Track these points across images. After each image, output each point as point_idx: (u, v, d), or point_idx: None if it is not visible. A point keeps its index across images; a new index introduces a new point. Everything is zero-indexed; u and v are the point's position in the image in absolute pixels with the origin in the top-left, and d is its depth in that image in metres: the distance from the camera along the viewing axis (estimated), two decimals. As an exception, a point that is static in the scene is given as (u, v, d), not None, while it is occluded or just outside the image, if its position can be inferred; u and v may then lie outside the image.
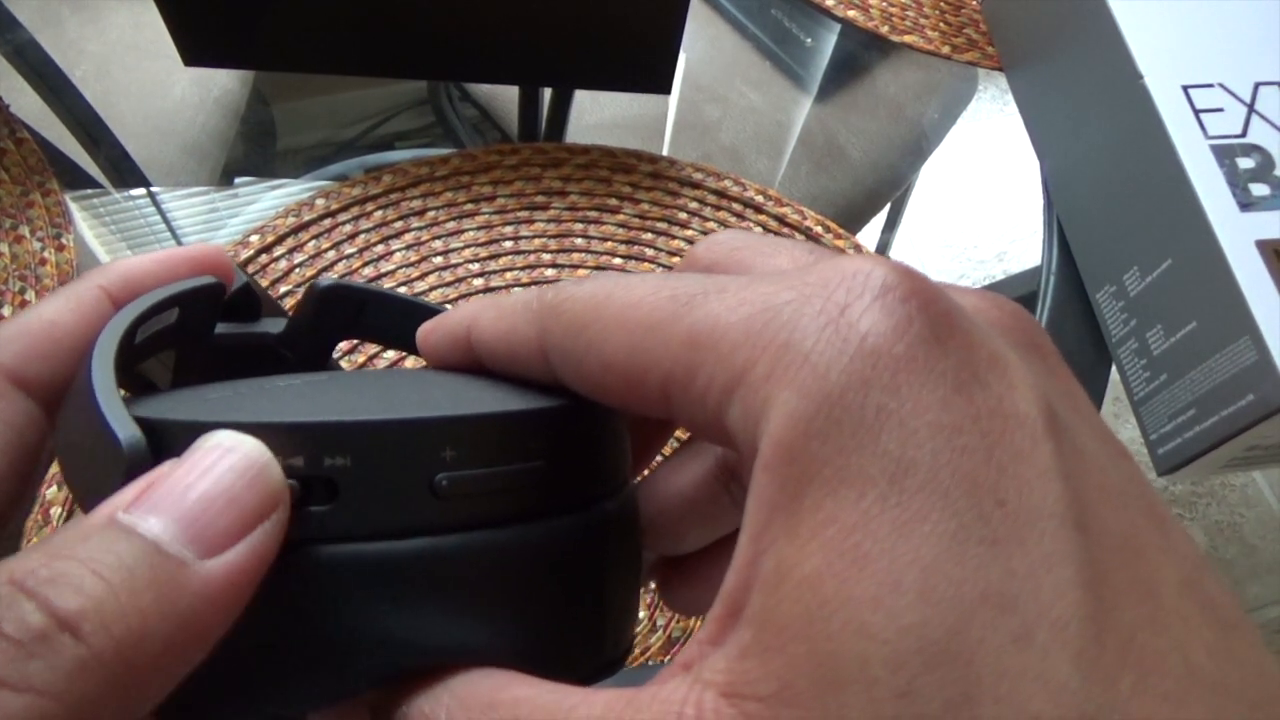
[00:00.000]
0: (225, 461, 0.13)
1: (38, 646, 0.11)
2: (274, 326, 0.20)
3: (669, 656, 0.41)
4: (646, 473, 0.20)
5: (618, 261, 0.50)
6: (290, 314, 0.20)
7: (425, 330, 0.18)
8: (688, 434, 0.19)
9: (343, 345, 0.45)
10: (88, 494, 0.14)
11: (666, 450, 0.41)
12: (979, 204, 1.42)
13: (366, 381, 0.17)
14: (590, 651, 0.16)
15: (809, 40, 0.77)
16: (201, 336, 0.19)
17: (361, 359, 0.46)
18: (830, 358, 0.12)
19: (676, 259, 0.51)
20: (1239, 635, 0.12)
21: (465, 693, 0.14)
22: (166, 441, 0.14)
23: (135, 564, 0.12)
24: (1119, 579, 0.12)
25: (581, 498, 0.16)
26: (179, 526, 0.12)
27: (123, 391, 0.15)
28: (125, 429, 0.14)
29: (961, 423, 0.12)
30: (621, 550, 0.17)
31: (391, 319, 0.21)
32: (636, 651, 0.41)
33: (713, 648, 0.13)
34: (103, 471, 0.14)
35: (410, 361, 0.46)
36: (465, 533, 0.14)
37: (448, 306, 0.19)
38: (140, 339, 0.17)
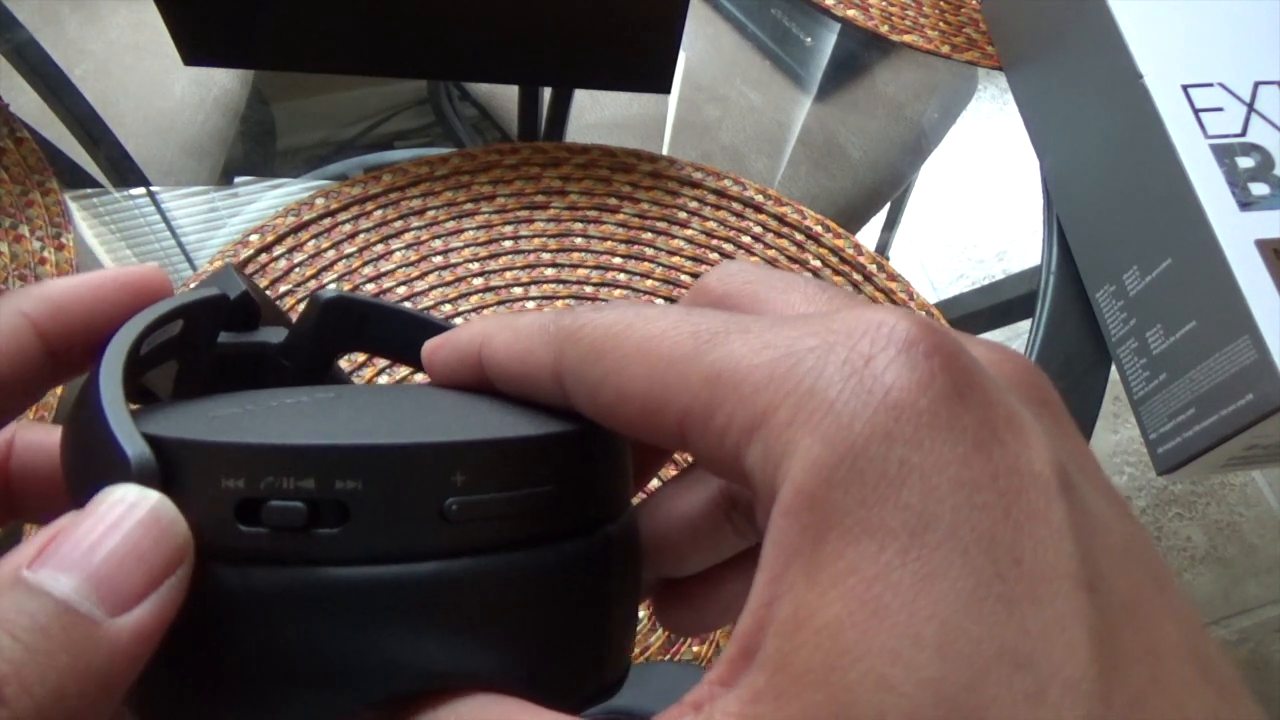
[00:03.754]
0: (131, 517, 0.13)
1: None
2: (275, 336, 0.20)
3: (669, 656, 0.41)
4: (645, 495, 0.20)
5: (617, 260, 0.50)
6: (290, 322, 0.20)
7: (433, 346, 0.18)
8: (689, 459, 0.19)
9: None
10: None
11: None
12: (979, 203, 1.42)
13: (372, 400, 0.17)
14: (591, 674, 0.16)
15: (809, 40, 0.77)
16: (204, 347, 0.19)
17: (366, 365, 0.46)
18: (855, 408, 0.12)
19: (676, 258, 0.51)
20: (1232, 696, 0.13)
21: (470, 717, 0.14)
22: (177, 461, 0.14)
23: (49, 624, 0.12)
24: (1125, 639, 0.12)
25: (587, 521, 0.16)
26: (89, 585, 0.13)
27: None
28: (134, 446, 0.14)
29: (981, 480, 0.12)
30: (624, 574, 0.17)
31: (393, 332, 0.21)
32: (636, 650, 0.41)
33: (724, 689, 0.13)
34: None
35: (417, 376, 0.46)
36: (474, 557, 0.14)
37: (453, 323, 0.19)
38: (145, 350, 0.17)
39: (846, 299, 0.16)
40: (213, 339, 0.19)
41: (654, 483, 0.38)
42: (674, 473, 0.37)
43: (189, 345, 0.19)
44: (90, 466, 0.15)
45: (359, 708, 0.14)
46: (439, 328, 0.20)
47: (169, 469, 0.14)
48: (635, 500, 0.19)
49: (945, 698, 0.11)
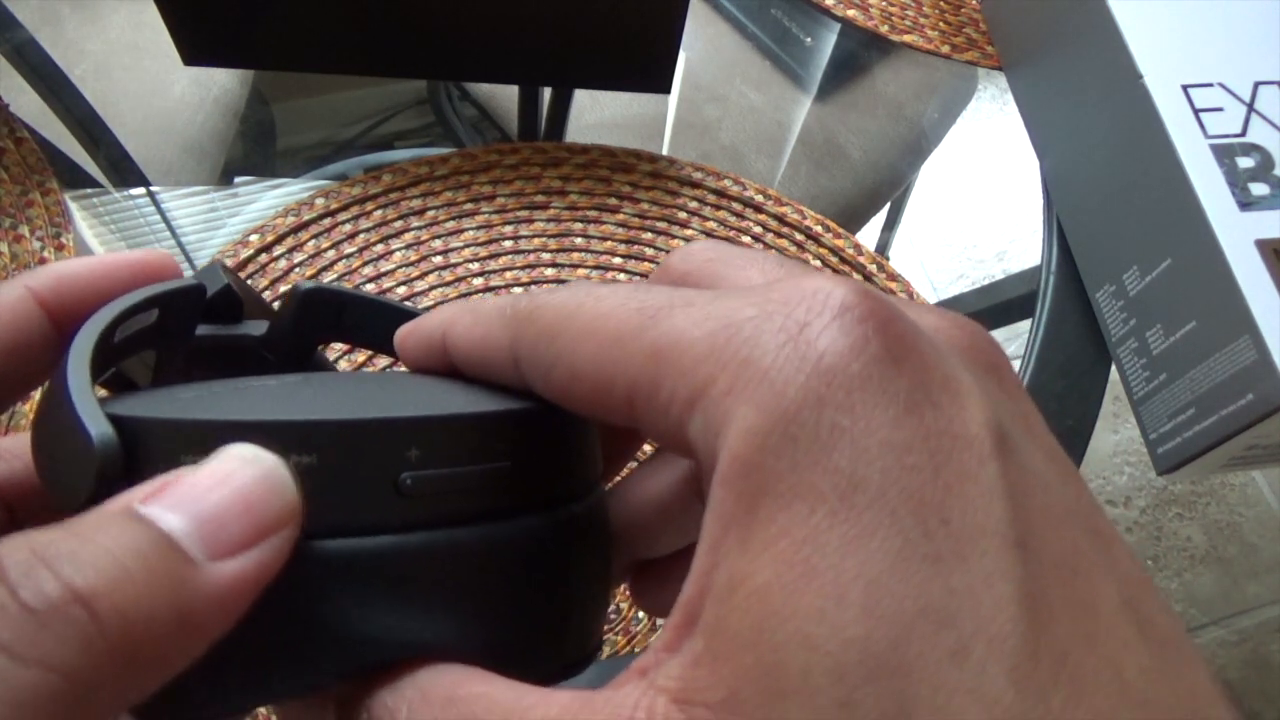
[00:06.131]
0: (244, 472, 0.13)
1: (51, 618, 0.11)
2: (256, 329, 0.20)
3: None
4: (621, 477, 0.20)
5: (617, 260, 0.50)
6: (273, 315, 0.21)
7: (402, 334, 0.19)
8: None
9: (342, 345, 0.45)
10: (60, 489, 0.15)
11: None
12: (979, 204, 1.42)
13: (339, 383, 0.18)
14: (552, 652, 0.17)
15: (809, 40, 0.77)
16: (181, 337, 0.19)
17: (361, 358, 0.46)
18: (788, 375, 0.13)
19: (676, 258, 0.51)
20: (1174, 653, 0.13)
21: (427, 686, 0.14)
22: (138, 439, 0.14)
23: (149, 553, 0.12)
24: (1056, 597, 0.12)
25: (548, 499, 0.16)
26: (194, 525, 0.13)
27: (102, 391, 0.15)
28: (98, 425, 0.14)
29: (911, 442, 0.12)
30: (587, 553, 0.17)
31: (370, 322, 0.21)
32: (637, 650, 0.41)
33: (668, 655, 0.13)
34: (75, 467, 0.14)
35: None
36: (429, 531, 0.15)
37: (429, 309, 0.19)
38: (120, 338, 0.17)
39: (803, 270, 0.16)
40: (190, 330, 0.19)
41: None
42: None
43: (166, 335, 0.19)
44: (56, 446, 0.15)
45: (320, 680, 0.14)
46: (414, 316, 0.20)
47: (131, 446, 0.14)
48: (611, 483, 0.19)
49: (870, 655, 0.11)
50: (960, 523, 0.12)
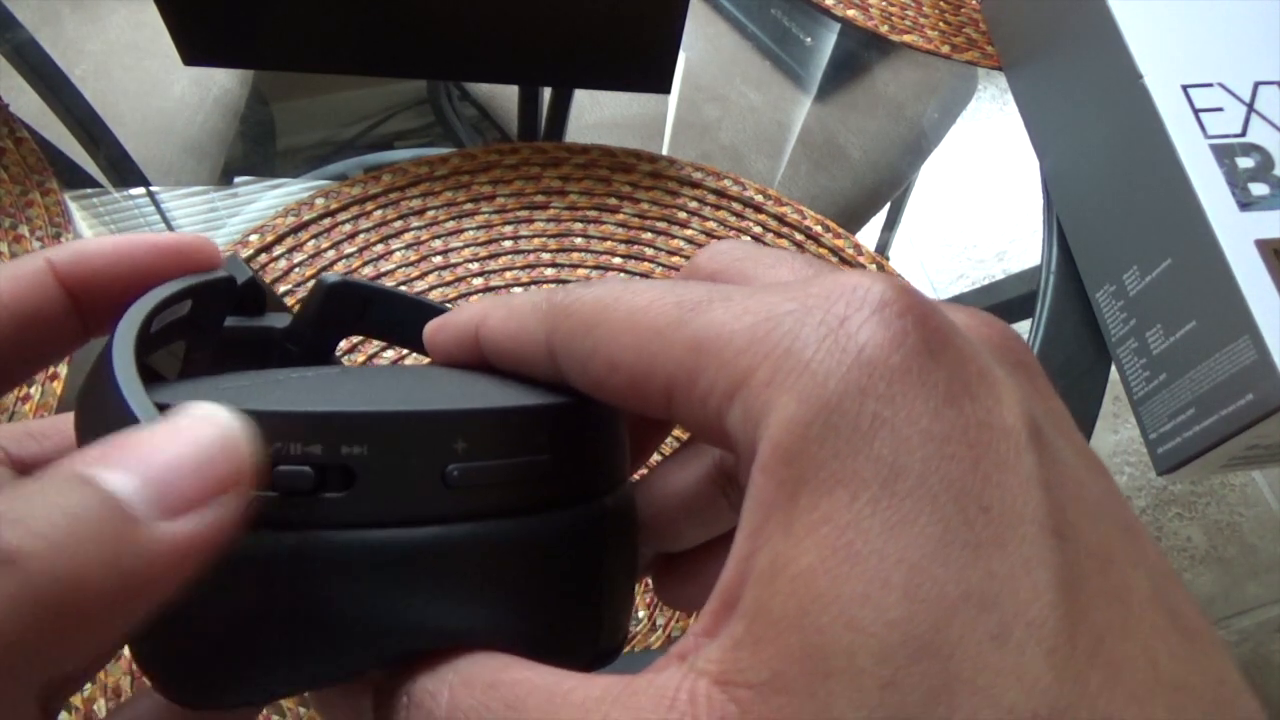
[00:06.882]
0: (199, 430, 0.13)
1: None
2: (279, 321, 0.20)
3: (668, 656, 0.41)
4: (644, 471, 0.21)
5: (617, 261, 0.50)
6: (293, 309, 0.21)
7: (433, 327, 0.19)
8: (686, 436, 0.19)
9: (342, 344, 0.45)
10: None
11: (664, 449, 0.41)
12: (979, 203, 1.42)
13: (377, 375, 0.18)
14: (587, 640, 0.17)
15: (809, 40, 0.77)
16: (211, 329, 0.19)
17: (361, 358, 0.46)
18: (830, 366, 0.13)
19: (676, 258, 0.51)
20: (1201, 642, 0.13)
21: (468, 673, 0.14)
22: None
23: (91, 515, 0.12)
24: (1092, 584, 0.12)
25: (583, 492, 0.17)
26: (141, 483, 0.12)
27: None
28: (146, 413, 0.14)
29: (951, 432, 0.13)
30: (620, 544, 0.18)
31: (396, 316, 0.21)
32: (637, 650, 0.41)
33: (707, 639, 0.13)
34: None
35: (412, 359, 0.46)
36: (474, 522, 0.15)
37: (450, 305, 0.20)
38: (155, 329, 0.17)
39: (834, 268, 0.16)
40: (220, 321, 0.20)
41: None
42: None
43: (197, 326, 0.19)
44: (104, 436, 0.15)
45: (364, 665, 0.15)
46: (439, 311, 0.20)
47: None
48: (634, 477, 0.20)
49: (912, 637, 0.11)
50: (999, 510, 0.12)
